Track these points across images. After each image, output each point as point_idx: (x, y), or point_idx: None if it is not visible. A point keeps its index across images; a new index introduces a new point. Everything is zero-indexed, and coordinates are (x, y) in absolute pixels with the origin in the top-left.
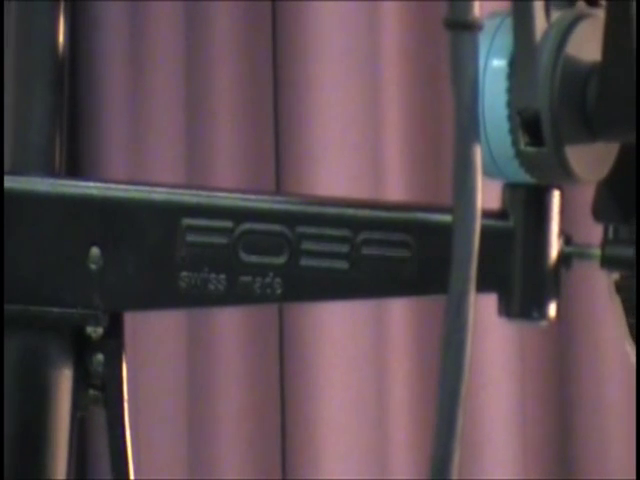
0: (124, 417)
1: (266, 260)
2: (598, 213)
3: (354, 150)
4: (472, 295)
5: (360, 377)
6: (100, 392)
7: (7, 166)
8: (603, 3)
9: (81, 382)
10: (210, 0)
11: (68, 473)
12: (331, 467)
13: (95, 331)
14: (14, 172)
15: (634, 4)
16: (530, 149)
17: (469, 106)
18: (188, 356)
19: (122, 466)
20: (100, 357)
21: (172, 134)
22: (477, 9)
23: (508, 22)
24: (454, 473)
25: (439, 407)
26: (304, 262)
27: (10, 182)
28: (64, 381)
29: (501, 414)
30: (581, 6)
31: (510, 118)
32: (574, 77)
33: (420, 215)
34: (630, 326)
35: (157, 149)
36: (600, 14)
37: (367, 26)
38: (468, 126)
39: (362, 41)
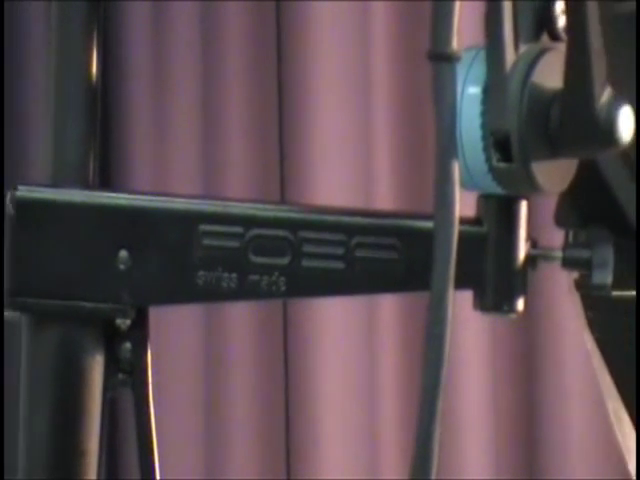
0: (149, 397)
1: (272, 261)
2: (560, 220)
3: (349, 165)
4: (451, 292)
5: (354, 362)
6: (128, 376)
7: (48, 181)
8: (564, 38)
9: (111, 367)
10: (224, 34)
11: (100, 446)
12: (329, 434)
13: (124, 323)
14: (54, 185)
15: (591, 40)
16: (501, 165)
17: (448, 127)
18: (205, 342)
19: (147, 441)
20: (128, 345)
21: (190, 151)
22: (455, 43)
23: (482, 54)
24: (436, 443)
25: (423, 389)
26: (305, 263)
27: (51, 194)
28: (97, 366)
29: (476, 394)
30: (545, 40)
31: (484, 138)
32: (539, 102)
33: (406, 222)
34: (588, 319)
35: (177, 164)
36: (561, 48)
37: (360, 57)
38: (447, 145)
39: (356, 73)
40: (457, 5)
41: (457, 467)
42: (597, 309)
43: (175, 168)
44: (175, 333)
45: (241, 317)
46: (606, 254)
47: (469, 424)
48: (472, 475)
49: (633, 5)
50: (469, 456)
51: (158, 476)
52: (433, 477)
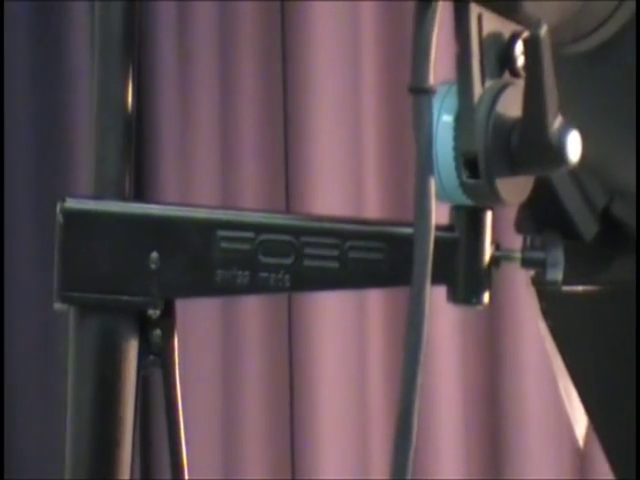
0: (175, 376)
1: (278, 261)
2: (519, 227)
3: (343, 181)
4: (428, 287)
5: (347, 348)
6: (158, 357)
7: (91, 194)
8: (522, 75)
9: (144, 350)
10: (239, 71)
11: (134, 415)
12: (327, 408)
13: (154, 313)
14: (96, 197)
15: (545, 77)
16: (470, 181)
17: (426, 149)
18: (222, 331)
19: (174, 414)
20: (158, 332)
21: (209, 169)
22: (432, 79)
23: (454, 88)
24: (416, 413)
25: (404, 369)
26: (306, 263)
27: (93, 205)
28: (132, 349)
29: (447, 372)
30: (506, 77)
31: (456, 158)
32: (502, 129)
33: (390, 228)
34: (542, 309)
35: (198, 180)
36: (520, 83)
37: (352, 88)
38: (425, 164)
39: (350, 102)
40: (433, 46)
41: (430, 431)
42: (550, 301)
43: (197, 183)
44: (196, 325)
45: (253, 309)
46: (558, 255)
47: (442, 397)
48: (443, 439)
49: (579, 48)
50: (441, 423)
51: (183, 442)
52: (414, 438)
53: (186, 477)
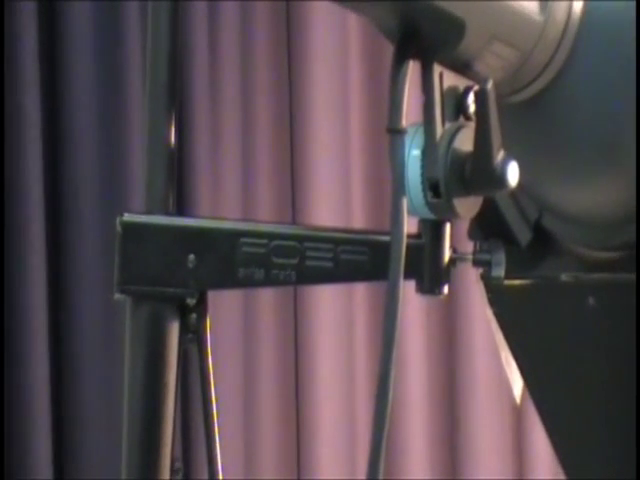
0: (208, 350)
1: (286, 261)
2: (471, 235)
3: (336, 201)
4: (401, 281)
5: (339, 328)
6: (194, 335)
7: (143, 210)
8: (473, 119)
9: (183, 330)
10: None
11: (176, 382)
12: (324, 377)
13: (191, 301)
14: (147, 212)
15: (491, 121)
16: (433, 200)
17: (399, 177)
18: (243, 315)
19: (207, 379)
20: (194, 316)
21: (234, 190)
22: (404, 122)
23: (421, 129)
24: (391, 380)
25: (382, 346)
26: (308, 263)
27: (145, 218)
28: (174, 329)
29: (414, 350)
30: (461, 120)
31: (422, 183)
32: (458, 160)
33: (372, 236)
34: (488, 299)
35: (225, 198)
36: (472, 125)
37: (343, 112)
38: (399, 188)
39: (341, 142)
40: (405, 98)
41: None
42: (494, 292)
43: (223, 201)
44: (223, 314)
45: (265, 300)
46: (500, 257)
47: (409, 372)
48: (408, 408)
49: (517, 98)
50: (408, 387)
51: (214, 401)
52: (389, 404)
53: (215, 428)
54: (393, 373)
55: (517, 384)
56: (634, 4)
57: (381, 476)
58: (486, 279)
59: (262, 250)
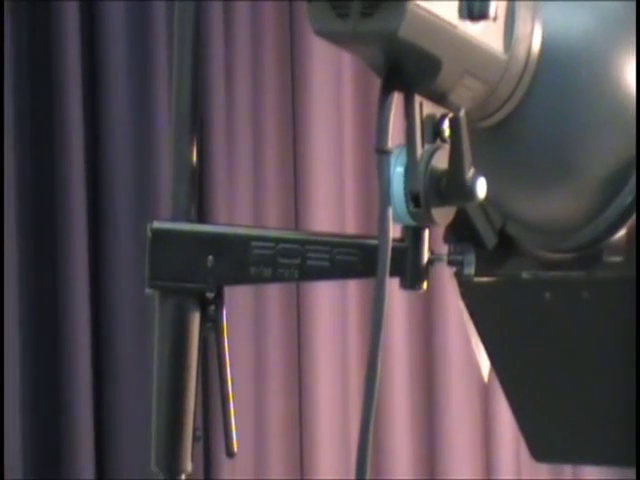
0: (224, 336)
1: (290, 261)
2: (446, 238)
3: (332, 209)
4: (387, 278)
5: (334, 319)
6: (213, 324)
7: (169, 218)
8: (448, 141)
9: (203, 319)
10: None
11: (198, 364)
12: (323, 360)
13: (210, 295)
14: (172, 220)
15: (463, 143)
16: (415, 210)
17: (385, 190)
18: (253, 308)
19: (223, 363)
20: (212, 307)
21: (246, 201)
22: (389, 144)
23: (404, 149)
24: (378, 366)
25: (370, 337)
26: (308, 262)
27: (171, 225)
28: (195, 319)
29: (397, 336)
30: (438, 142)
31: (405, 195)
32: (435, 176)
33: (363, 240)
34: (461, 292)
35: (239, 208)
36: (447, 147)
37: (338, 136)
38: (385, 199)
39: (337, 147)
40: (390, 123)
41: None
42: (465, 287)
43: (237, 211)
44: (235, 306)
45: (273, 293)
46: (470, 258)
47: (394, 353)
48: (391, 381)
49: (485, 124)
50: (393, 368)
51: (229, 379)
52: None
53: (231, 401)
54: (380, 354)
55: (485, 364)
56: (584, 45)
57: (370, 446)
58: (459, 276)
59: (270, 252)
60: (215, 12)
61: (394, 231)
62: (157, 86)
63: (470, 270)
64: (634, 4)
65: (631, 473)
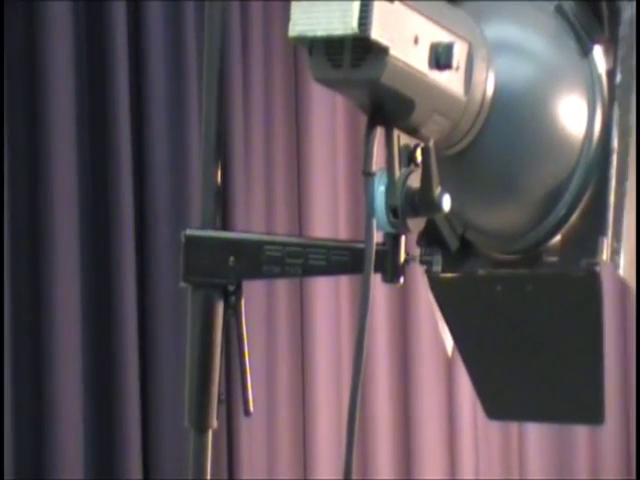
0: (242, 321)
1: (295, 261)
2: (418, 242)
3: (329, 219)
4: (372, 274)
5: (331, 309)
6: (233, 310)
7: (198, 226)
8: (420, 165)
9: (226, 307)
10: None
11: (221, 344)
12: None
13: (231, 288)
14: (201, 228)
15: (432, 167)
16: (394, 220)
17: (370, 204)
18: (265, 299)
19: (242, 342)
20: (233, 297)
21: (257, 213)
22: (374, 168)
23: (385, 172)
24: (364, 353)
25: (358, 318)
26: (309, 262)
27: (200, 232)
28: (220, 307)
29: (379, 323)
30: (412, 166)
31: (386, 208)
32: (410, 193)
33: (353, 244)
34: (430, 286)
35: (254, 219)
36: (419, 170)
37: (334, 160)
38: (370, 212)
39: (332, 170)
40: (375, 151)
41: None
42: (434, 282)
43: (254, 221)
44: (250, 299)
45: (282, 287)
46: (438, 258)
47: (377, 335)
48: (373, 360)
49: (450, 152)
50: (375, 346)
51: (247, 358)
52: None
53: (248, 372)
54: (367, 331)
55: (448, 342)
56: (528, 90)
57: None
58: (428, 273)
59: (279, 253)
60: (235, 62)
61: (377, 237)
62: (191, 120)
63: (438, 268)
64: (567, 56)
65: (568, 428)
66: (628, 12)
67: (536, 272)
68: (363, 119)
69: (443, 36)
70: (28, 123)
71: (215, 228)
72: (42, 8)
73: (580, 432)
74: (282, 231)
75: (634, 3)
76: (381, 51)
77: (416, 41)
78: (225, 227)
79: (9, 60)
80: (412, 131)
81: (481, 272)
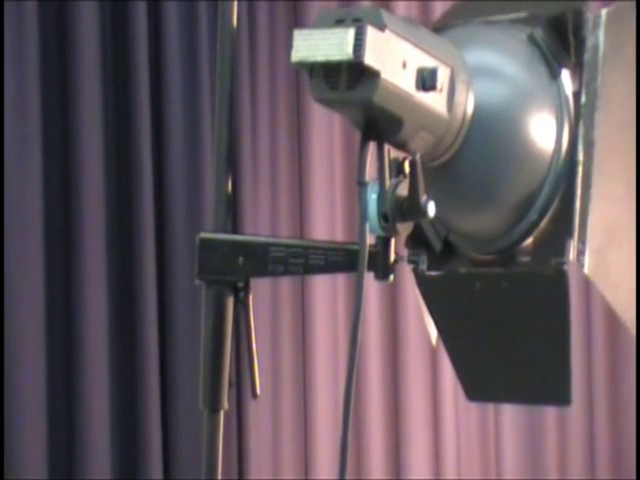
0: (250, 314)
1: (297, 261)
2: (407, 244)
3: (327, 223)
4: (365, 272)
5: (328, 302)
6: (242, 304)
7: (211, 229)
8: (408, 176)
9: (236, 302)
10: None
11: (231, 334)
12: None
13: (241, 284)
14: (214, 232)
15: (418, 178)
16: (384, 224)
17: (364, 210)
18: (271, 298)
19: (250, 332)
20: (242, 293)
21: (264, 219)
22: (367, 178)
23: (377, 182)
24: (358, 347)
25: (354, 310)
26: (310, 262)
27: (213, 235)
28: (230, 301)
29: (373, 311)
30: (401, 177)
31: (378, 214)
32: (399, 201)
33: (348, 245)
34: (417, 283)
35: (261, 224)
36: (407, 180)
37: (331, 172)
38: (363, 217)
39: (330, 180)
40: (368, 164)
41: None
42: (420, 279)
43: (261, 226)
44: (258, 293)
45: (285, 283)
46: (424, 258)
47: (369, 324)
48: (366, 348)
49: (435, 164)
50: (367, 335)
51: (254, 345)
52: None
53: (255, 359)
54: (361, 324)
55: (433, 332)
56: (503, 109)
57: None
58: (415, 271)
59: (282, 254)
60: (244, 84)
61: (370, 239)
62: (205, 138)
63: (423, 267)
64: (538, 79)
65: (538, 409)
66: (592, 41)
67: (511, 271)
68: (357, 135)
69: (428, 61)
70: (62, 134)
71: (226, 231)
72: (74, 8)
73: (549, 414)
74: (285, 234)
75: (598, 32)
76: (373, 75)
77: (404, 66)
78: (235, 230)
79: (44, 65)
80: (401, 145)
81: (462, 271)
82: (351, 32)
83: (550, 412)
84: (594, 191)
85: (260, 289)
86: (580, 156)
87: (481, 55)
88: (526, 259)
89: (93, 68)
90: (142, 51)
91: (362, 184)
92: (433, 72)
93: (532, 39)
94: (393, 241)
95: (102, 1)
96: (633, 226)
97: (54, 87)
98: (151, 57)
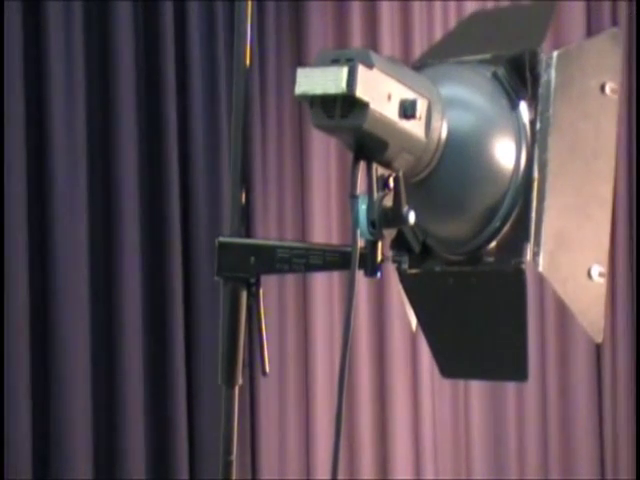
0: (261, 306)
1: (299, 260)
2: (391, 246)
3: (324, 229)
4: (356, 270)
5: (326, 295)
6: (254, 297)
7: (228, 234)
8: (392, 190)
9: (248, 295)
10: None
11: (245, 324)
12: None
13: (253, 280)
14: (230, 236)
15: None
16: (372, 230)
17: (355, 218)
18: (278, 292)
19: (260, 322)
20: (254, 288)
21: (272, 226)
22: (357, 191)
23: (366, 195)
24: (352, 319)
25: (346, 305)
26: (310, 261)
27: (229, 239)
28: (243, 295)
29: (363, 306)
30: (386, 191)
31: (367, 222)
32: (384, 211)
33: (342, 248)
34: (400, 280)
35: (270, 230)
36: (391, 193)
37: (328, 184)
38: (355, 224)
39: (327, 192)
40: (359, 180)
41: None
42: (403, 276)
43: (270, 231)
44: (266, 288)
45: (290, 281)
46: (405, 258)
47: (360, 315)
48: (356, 338)
49: (415, 179)
50: (358, 327)
51: (264, 332)
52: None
53: (265, 343)
54: (353, 314)
55: (413, 321)
56: (472, 134)
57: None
58: (398, 270)
59: (287, 255)
60: (255, 112)
61: (360, 242)
62: (223, 157)
63: (405, 266)
64: (500, 109)
65: (500, 386)
66: (545, 77)
67: (478, 269)
68: (350, 155)
69: (409, 94)
70: (103, 130)
71: (240, 236)
72: (112, 8)
73: (509, 388)
74: (290, 238)
75: (550, 70)
76: (363, 105)
77: (389, 98)
78: (248, 235)
79: (88, 65)
80: (386, 164)
81: (437, 269)
82: (345, 70)
83: (510, 387)
84: (547, 203)
85: (268, 284)
86: (535, 174)
87: (453, 89)
88: (491, 259)
89: (129, 73)
90: (170, 65)
91: (354, 197)
92: (413, 103)
93: (496, 76)
94: (380, 244)
95: (134, 1)
96: (579, 232)
97: (96, 88)
98: (178, 74)
